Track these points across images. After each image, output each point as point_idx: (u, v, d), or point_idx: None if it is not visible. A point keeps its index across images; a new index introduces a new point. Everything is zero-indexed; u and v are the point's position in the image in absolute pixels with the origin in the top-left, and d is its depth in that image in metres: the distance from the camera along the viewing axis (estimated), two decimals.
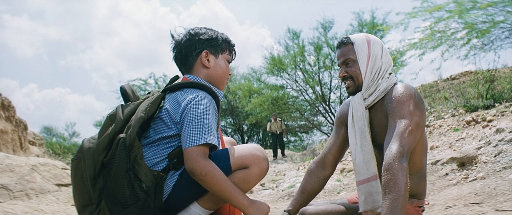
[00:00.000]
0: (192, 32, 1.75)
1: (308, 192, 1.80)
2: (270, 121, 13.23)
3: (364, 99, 1.69)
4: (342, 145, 1.84)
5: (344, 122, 1.83)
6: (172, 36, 1.77)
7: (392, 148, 1.39)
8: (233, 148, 1.63)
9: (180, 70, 1.80)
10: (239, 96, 20.35)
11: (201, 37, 1.74)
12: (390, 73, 1.70)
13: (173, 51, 1.77)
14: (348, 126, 1.73)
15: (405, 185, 1.30)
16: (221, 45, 1.77)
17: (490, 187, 2.70)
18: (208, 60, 1.74)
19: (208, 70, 1.74)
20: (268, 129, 13.24)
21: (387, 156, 1.39)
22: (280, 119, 13.38)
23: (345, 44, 1.70)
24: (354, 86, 1.70)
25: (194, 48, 1.72)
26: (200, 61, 1.73)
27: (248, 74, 20.24)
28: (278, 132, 12.96)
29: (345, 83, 1.75)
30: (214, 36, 1.76)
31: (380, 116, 1.64)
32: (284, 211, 1.76)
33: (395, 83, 1.67)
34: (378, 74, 1.66)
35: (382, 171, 1.37)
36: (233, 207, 1.68)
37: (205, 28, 1.78)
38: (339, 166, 6.36)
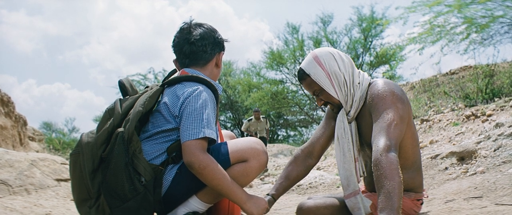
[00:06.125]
0: (210, 28, 1.75)
1: (293, 178, 1.83)
2: (250, 120, 9.37)
3: (348, 113, 1.70)
4: (330, 137, 1.86)
5: (334, 116, 1.84)
6: (185, 28, 1.73)
7: (379, 143, 1.41)
8: (232, 142, 1.63)
9: (180, 61, 1.75)
10: (238, 91, 20.34)
11: (218, 37, 1.76)
12: (359, 72, 1.70)
13: (184, 43, 1.70)
14: (334, 141, 1.76)
15: (397, 176, 1.31)
16: (224, 47, 1.81)
17: (490, 181, 2.70)
18: (220, 60, 1.79)
19: (218, 70, 1.78)
20: (243, 129, 9.41)
21: (374, 152, 1.40)
22: (264, 117, 9.64)
23: (304, 78, 1.72)
24: (335, 106, 1.74)
25: (212, 47, 1.73)
26: (215, 61, 1.76)
27: (247, 68, 20.26)
28: (258, 135, 9.12)
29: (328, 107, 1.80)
30: (223, 38, 1.80)
31: (366, 117, 1.65)
32: (267, 194, 1.79)
33: (370, 82, 1.67)
34: (347, 85, 1.67)
35: (372, 168, 1.38)
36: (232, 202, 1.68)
37: (211, 25, 1.79)
38: None
